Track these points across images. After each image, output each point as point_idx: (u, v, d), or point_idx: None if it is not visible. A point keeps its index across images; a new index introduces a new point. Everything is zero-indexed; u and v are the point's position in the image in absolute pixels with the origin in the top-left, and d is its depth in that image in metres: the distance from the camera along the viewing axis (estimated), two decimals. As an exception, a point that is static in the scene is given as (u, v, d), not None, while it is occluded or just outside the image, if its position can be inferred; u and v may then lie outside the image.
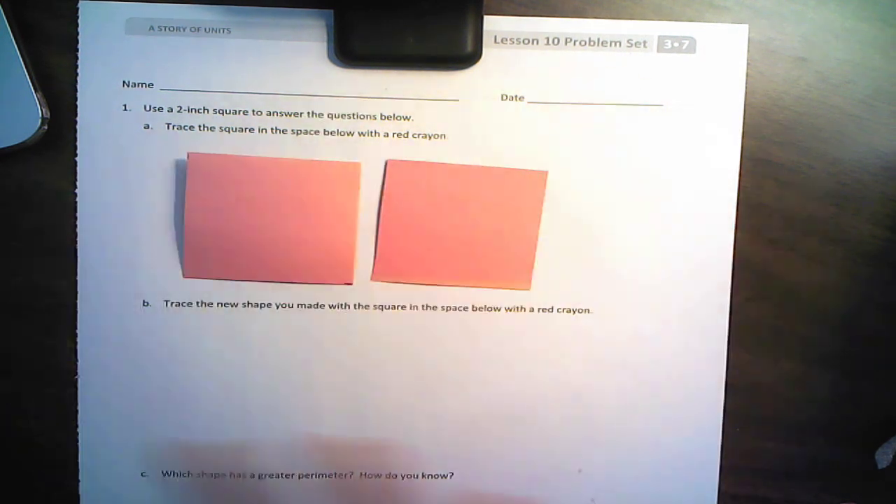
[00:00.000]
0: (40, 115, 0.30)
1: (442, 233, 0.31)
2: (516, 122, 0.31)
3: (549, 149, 0.31)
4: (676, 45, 0.31)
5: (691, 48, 0.31)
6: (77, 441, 0.32)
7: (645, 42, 0.31)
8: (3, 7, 0.30)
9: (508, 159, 0.31)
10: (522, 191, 0.31)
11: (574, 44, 0.31)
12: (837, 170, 0.34)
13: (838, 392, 0.35)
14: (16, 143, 0.31)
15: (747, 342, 0.35)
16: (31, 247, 0.32)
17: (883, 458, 0.35)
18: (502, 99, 0.31)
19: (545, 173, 0.31)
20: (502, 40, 0.31)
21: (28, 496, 0.33)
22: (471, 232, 0.32)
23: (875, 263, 0.34)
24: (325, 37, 0.31)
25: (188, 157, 0.31)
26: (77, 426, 0.32)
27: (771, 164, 0.34)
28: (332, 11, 0.31)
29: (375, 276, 0.32)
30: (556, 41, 0.31)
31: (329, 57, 0.31)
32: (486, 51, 0.31)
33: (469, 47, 0.32)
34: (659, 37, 0.31)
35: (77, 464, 0.33)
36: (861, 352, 0.35)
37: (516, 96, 0.31)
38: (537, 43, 0.31)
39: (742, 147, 0.33)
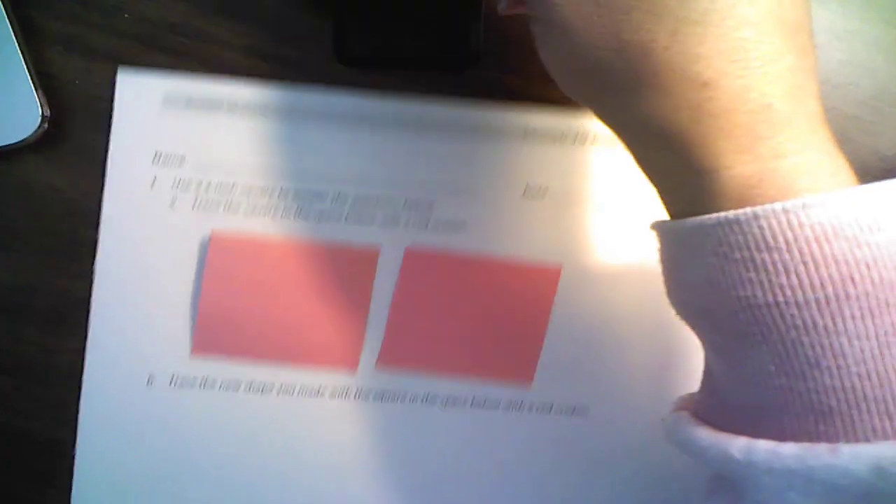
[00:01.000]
0: (41, 113, 0.31)
1: (452, 323, 0.31)
2: (537, 215, 0.31)
3: (567, 244, 0.31)
4: None
5: None
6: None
7: None
8: (4, 6, 0.30)
9: (525, 252, 0.31)
10: (535, 285, 0.31)
11: (600, 142, 0.30)
12: (838, 172, 0.34)
13: (838, 395, 0.35)
14: (16, 141, 0.31)
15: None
16: (31, 246, 0.32)
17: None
18: (525, 193, 0.31)
19: (559, 269, 0.31)
20: (531, 133, 0.30)
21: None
22: (481, 323, 0.31)
23: (876, 266, 0.34)
24: (361, 117, 0.31)
25: (211, 235, 0.31)
26: (70, 493, 0.32)
27: (771, 166, 0.33)
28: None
29: (380, 362, 0.31)
30: (583, 139, 0.30)
31: (356, 142, 0.31)
32: (514, 145, 0.30)
33: (469, 47, 0.32)
34: None
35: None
36: (861, 355, 0.35)
37: (540, 190, 0.31)
38: (565, 140, 0.30)
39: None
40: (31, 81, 0.30)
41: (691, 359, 0.32)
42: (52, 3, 0.31)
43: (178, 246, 0.31)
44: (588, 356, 0.32)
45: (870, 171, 0.34)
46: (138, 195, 0.31)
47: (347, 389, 0.31)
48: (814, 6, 0.33)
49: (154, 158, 0.30)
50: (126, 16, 0.32)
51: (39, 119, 0.31)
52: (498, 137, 0.31)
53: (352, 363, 0.32)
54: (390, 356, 0.31)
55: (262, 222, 0.31)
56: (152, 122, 0.30)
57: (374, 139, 0.31)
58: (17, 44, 0.30)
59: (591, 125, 0.31)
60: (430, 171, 0.31)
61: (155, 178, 0.30)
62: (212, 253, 0.31)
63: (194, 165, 0.31)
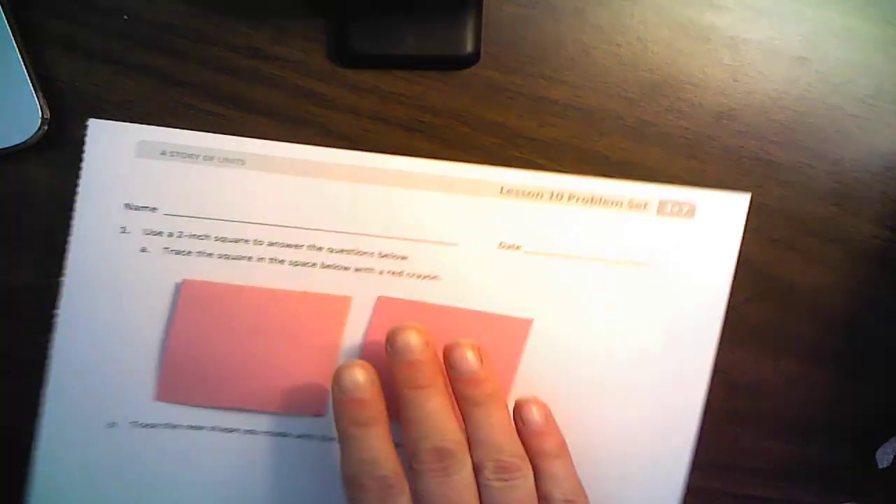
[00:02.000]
0: (41, 115, 0.31)
1: None
2: (510, 269, 0.31)
3: (538, 298, 0.31)
4: (676, 209, 0.31)
5: (690, 213, 0.31)
6: None
7: (646, 204, 0.31)
8: (3, 7, 0.30)
9: (497, 305, 0.31)
10: (505, 337, 0.31)
11: (577, 200, 0.31)
12: (837, 170, 0.34)
13: (838, 392, 0.35)
14: (16, 143, 0.31)
15: (747, 342, 0.35)
16: (31, 247, 0.32)
17: (883, 458, 0.35)
18: (500, 247, 0.31)
19: (530, 322, 0.31)
20: (508, 191, 0.31)
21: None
22: None
23: (875, 263, 0.34)
24: (337, 169, 0.31)
25: (182, 283, 0.30)
26: None
27: (771, 164, 0.34)
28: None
29: None
30: (559, 196, 0.31)
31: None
32: (491, 200, 0.31)
33: (469, 47, 0.32)
34: (660, 201, 0.31)
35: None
36: (861, 352, 0.35)
37: (514, 245, 0.31)
38: (541, 197, 0.31)
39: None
40: (30, 83, 0.30)
41: (653, 416, 0.32)
42: (52, 5, 0.31)
43: (146, 292, 0.31)
44: (554, 410, 0.32)
45: (869, 168, 0.34)
46: (107, 241, 0.30)
47: (313, 433, 0.32)
48: (812, 5, 0.33)
49: (125, 206, 0.30)
50: (125, 17, 0.32)
51: (39, 121, 0.31)
52: (475, 192, 0.31)
53: (319, 410, 0.32)
54: None
55: (234, 270, 0.31)
56: (124, 171, 0.30)
57: (350, 191, 0.30)
58: (16, 46, 0.30)
59: (569, 184, 0.31)
60: (406, 224, 0.31)
61: (125, 225, 0.30)
62: (183, 300, 0.30)
63: (166, 214, 0.30)
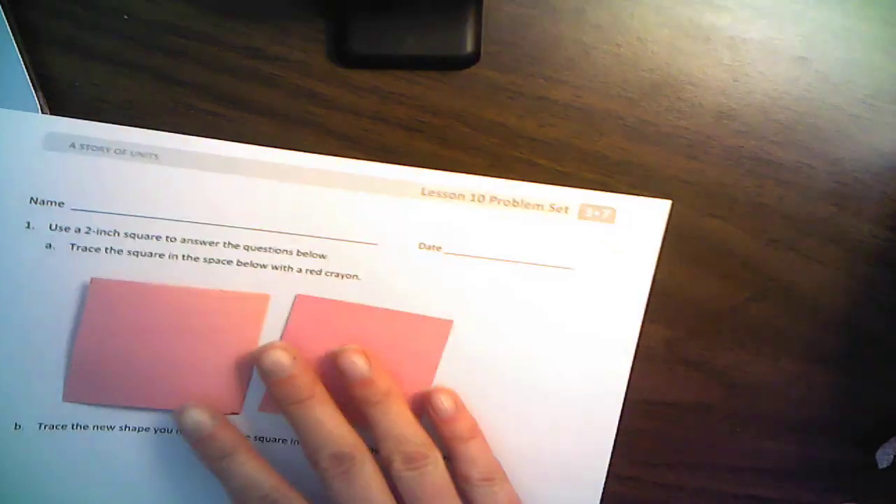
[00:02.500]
0: (40, 115, 0.31)
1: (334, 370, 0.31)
2: (430, 270, 0.31)
3: (458, 299, 0.31)
4: (597, 213, 0.31)
5: (611, 217, 0.31)
6: None
7: (567, 208, 0.31)
8: (3, 7, 0.30)
9: (417, 305, 0.31)
10: (425, 338, 0.31)
11: (498, 202, 0.31)
12: (837, 170, 0.34)
13: (838, 392, 0.35)
14: (16, 143, 0.31)
15: (747, 342, 0.35)
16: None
17: (883, 458, 0.35)
18: (420, 247, 0.31)
19: (450, 323, 0.31)
20: (430, 192, 0.30)
21: None
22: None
23: (875, 263, 0.34)
24: (255, 165, 0.30)
25: (91, 282, 0.29)
26: None
27: (771, 164, 0.34)
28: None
29: (263, 405, 0.31)
30: (481, 198, 0.30)
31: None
32: (411, 201, 0.30)
33: (469, 47, 0.32)
34: (581, 204, 0.31)
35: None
36: (861, 352, 0.35)
37: (434, 246, 0.31)
38: (463, 198, 0.30)
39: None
40: (30, 83, 0.30)
41: (573, 423, 0.32)
42: (51, 4, 0.31)
43: (52, 290, 0.30)
44: (473, 411, 0.32)
45: (870, 168, 0.34)
46: (10, 237, 0.29)
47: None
48: (812, 5, 0.33)
49: (30, 200, 0.29)
50: (125, 17, 0.32)
51: (39, 121, 0.31)
52: (396, 192, 0.30)
53: (234, 408, 0.31)
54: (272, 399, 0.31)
55: (146, 267, 0.30)
56: (30, 164, 0.29)
57: (268, 188, 0.30)
58: (15, 45, 0.30)
59: (490, 186, 0.31)
60: (325, 222, 0.30)
61: (30, 220, 0.29)
62: (91, 299, 0.30)
63: (74, 209, 0.29)
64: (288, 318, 0.31)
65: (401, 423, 0.30)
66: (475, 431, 0.31)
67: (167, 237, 0.30)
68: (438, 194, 0.30)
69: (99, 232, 0.29)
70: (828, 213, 0.34)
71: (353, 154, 0.33)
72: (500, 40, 0.33)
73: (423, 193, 0.30)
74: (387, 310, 0.31)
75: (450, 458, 0.31)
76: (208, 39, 0.32)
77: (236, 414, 0.31)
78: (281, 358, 0.29)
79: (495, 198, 0.31)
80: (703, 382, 0.35)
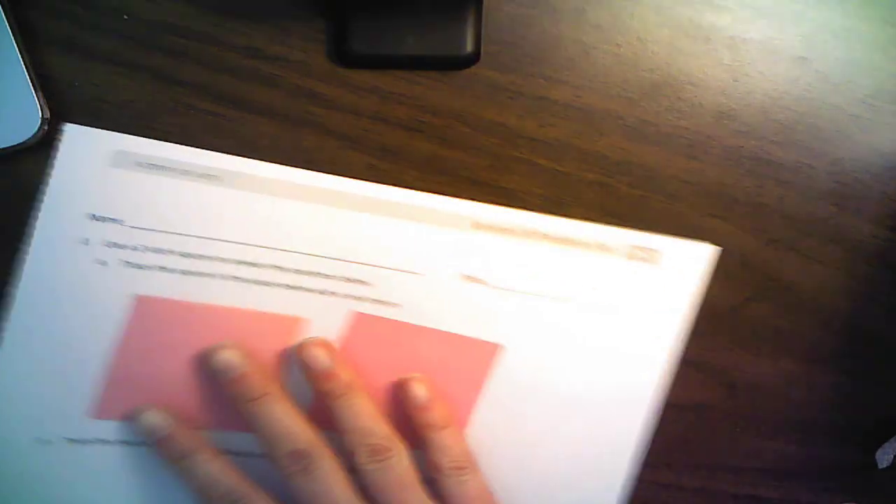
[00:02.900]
0: (40, 115, 0.31)
1: (389, 389, 0.31)
2: (473, 303, 0.31)
3: (500, 331, 0.31)
4: (644, 255, 0.31)
5: (656, 259, 0.31)
6: None
7: (616, 248, 0.31)
8: (3, 7, 0.30)
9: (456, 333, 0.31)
10: (473, 359, 0.32)
11: (548, 239, 0.31)
12: (837, 170, 0.34)
13: (838, 392, 0.35)
14: (16, 143, 0.31)
15: (747, 342, 0.35)
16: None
17: (883, 458, 0.35)
18: (464, 279, 0.31)
19: (498, 346, 0.31)
20: (480, 226, 0.30)
21: None
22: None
23: (875, 263, 0.34)
24: (309, 191, 0.30)
25: (136, 299, 0.29)
26: None
27: (771, 164, 0.34)
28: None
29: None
30: (530, 234, 0.30)
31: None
32: (461, 233, 0.30)
33: (469, 47, 0.32)
34: (630, 245, 0.31)
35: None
36: (861, 352, 0.35)
37: (479, 278, 0.31)
38: (513, 233, 0.30)
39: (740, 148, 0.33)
40: (30, 83, 0.30)
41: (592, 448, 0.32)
42: (51, 4, 0.31)
43: (98, 306, 0.29)
44: (512, 438, 0.32)
45: (869, 168, 0.34)
46: (66, 252, 0.29)
47: (256, 449, 0.30)
48: (812, 5, 0.33)
49: (90, 217, 0.29)
50: (125, 17, 0.32)
51: (39, 121, 0.31)
52: (445, 223, 0.30)
53: None
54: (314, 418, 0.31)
55: (193, 286, 0.30)
56: (95, 180, 0.29)
57: (320, 214, 0.30)
58: (16, 46, 0.30)
59: (542, 223, 0.30)
60: (371, 249, 0.30)
61: (88, 236, 0.29)
62: (135, 316, 0.30)
63: (132, 226, 0.29)
64: (341, 335, 0.31)
65: (364, 417, 0.30)
66: (448, 420, 0.31)
67: (218, 258, 0.30)
68: (489, 228, 0.30)
69: (153, 250, 0.29)
70: (828, 213, 0.34)
71: (353, 153, 0.33)
72: (500, 40, 0.33)
73: (473, 226, 0.30)
74: (438, 330, 0.31)
75: (422, 447, 0.30)
76: (208, 39, 0.32)
77: None
78: (231, 357, 0.29)
79: (546, 235, 0.31)
80: (703, 382, 0.35)
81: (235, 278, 0.30)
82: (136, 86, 0.32)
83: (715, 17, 0.33)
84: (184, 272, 0.30)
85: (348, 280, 0.30)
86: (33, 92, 0.30)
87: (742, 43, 0.33)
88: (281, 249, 0.30)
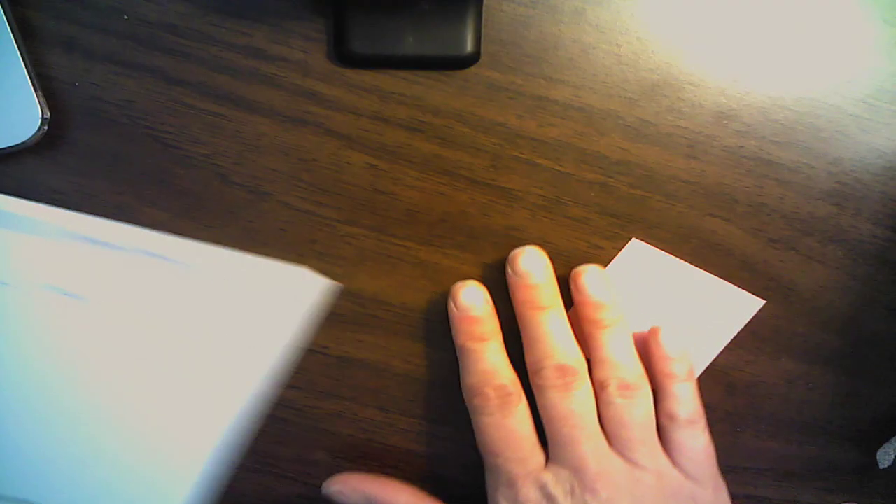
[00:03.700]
0: (40, 115, 0.31)
1: None
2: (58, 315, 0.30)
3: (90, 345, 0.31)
4: (251, 281, 0.32)
5: (261, 285, 0.32)
6: None
7: (208, 269, 0.31)
8: (3, 7, 0.30)
9: None
10: (731, 310, 0.34)
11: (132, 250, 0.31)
12: (837, 169, 0.34)
13: (838, 392, 0.35)
14: (16, 143, 0.31)
15: (747, 342, 0.35)
16: (31, 247, 0.32)
17: (883, 458, 0.35)
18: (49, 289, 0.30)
19: (761, 302, 0.34)
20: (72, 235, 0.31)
21: None
22: None
23: (875, 263, 0.34)
24: None
25: None
26: None
27: (771, 164, 0.34)
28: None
29: None
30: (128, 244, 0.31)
31: None
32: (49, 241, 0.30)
33: (469, 47, 0.32)
34: (236, 269, 0.32)
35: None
36: (861, 352, 0.35)
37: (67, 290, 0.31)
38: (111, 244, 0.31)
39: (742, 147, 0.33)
40: (30, 83, 0.30)
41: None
42: (51, 4, 0.31)
43: None
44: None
45: (869, 168, 0.34)
46: None
47: None
48: (813, 5, 0.33)
49: None
50: (125, 17, 0.32)
51: (39, 121, 0.31)
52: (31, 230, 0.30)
53: None
54: None
55: None
56: None
57: None
58: (16, 46, 0.30)
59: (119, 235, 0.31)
60: None
61: None
62: None
63: None
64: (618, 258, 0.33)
65: (623, 351, 0.31)
66: (691, 375, 0.32)
67: None
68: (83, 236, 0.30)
69: None
70: (828, 213, 0.34)
71: (353, 153, 0.33)
72: (500, 40, 0.33)
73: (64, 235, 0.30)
74: (707, 273, 0.33)
75: (659, 395, 0.32)
76: (208, 39, 0.32)
77: None
78: (535, 262, 0.31)
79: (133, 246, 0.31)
80: (703, 382, 0.35)
81: None
82: (136, 86, 0.32)
83: (715, 18, 0.33)
84: None
85: None
86: (33, 92, 0.30)
87: (742, 43, 0.33)
88: None
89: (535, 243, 0.33)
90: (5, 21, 0.30)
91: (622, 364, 0.31)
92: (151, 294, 0.31)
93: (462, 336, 0.32)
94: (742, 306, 0.34)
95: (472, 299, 0.31)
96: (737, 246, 0.34)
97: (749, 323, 0.34)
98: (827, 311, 0.35)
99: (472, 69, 0.33)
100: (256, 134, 0.32)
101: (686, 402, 0.31)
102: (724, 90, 0.33)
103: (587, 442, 0.30)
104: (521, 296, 0.31)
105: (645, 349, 0.33)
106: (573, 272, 0.32)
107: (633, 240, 0.33)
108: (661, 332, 0.32)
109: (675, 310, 0.34)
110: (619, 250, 0.34)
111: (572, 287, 0.32)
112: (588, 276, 0.31)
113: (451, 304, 0.32)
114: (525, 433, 0.31)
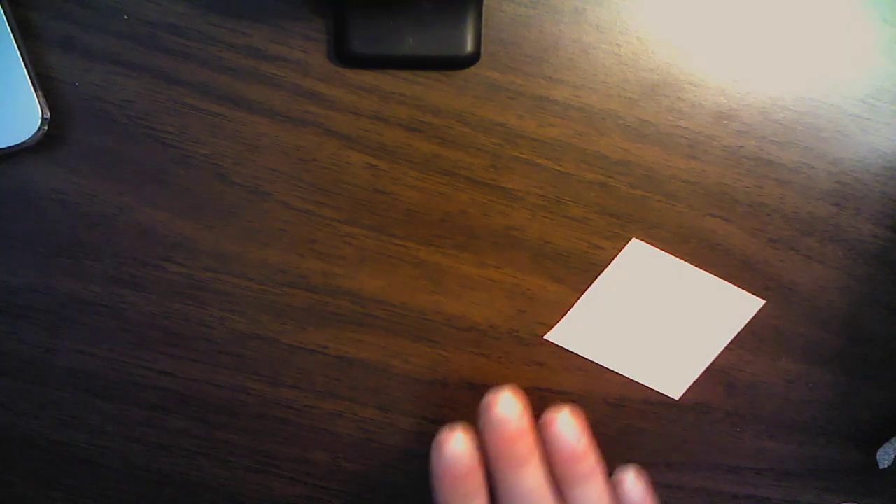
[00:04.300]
0: (41, 115, 0.31)
1: None
2: None
3: None
4: None
5: None
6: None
7: None
8: (3, 7, 0.30)
9: None
10: (730, 310, 0.34)
11: None
12: (837, 169, 0.34)
13: (838, 392, 0.35)
14: (16, 143, 0.31)
15: (747, 342, 0.35)
16: (30, 247, 0.32)
17: (883, 458, 0.35)
18: None
19: (761, 302, 0.34)
20: None
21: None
22: None
23: (875, 263, 0.34)
24: None
25: None
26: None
27: (771, 164, 0.34)
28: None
29: None
30: None
31: None
32: None
33: (469, 47, 0.32)
34: None
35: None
36: (861, 352, 0.35)
37: None
38: None
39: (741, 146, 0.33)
40: (30, 83, 0.30)
41: None
42: (51, 4, 0.31)
43: None
44: None
45: (869, 168, 0.34)
46: None
47: None
48: (813, 5, 0.33)
49: None
50: (125, 17, 0.32)
51: (39, 121, 0.31)
52: None
53: None
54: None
55: None
56: None
57: None
58: (16, 46, 0.30)
59: None
60: None
61: None
62: None
63: None
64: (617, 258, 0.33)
65: None
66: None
67: None
68: None
69: None
70: (828, 213, 0.34)
71: (353, 153, 0.33)
72: (500, 40, 0.33)
73: None
74: (707, 273, 0.33)
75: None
76: (208, 39, 0.32)
77: None
78: (510, 409, 0.29)
79: None
80: (703, 382, 0.35)
81: None
82: (136, 86, 0.32)
83: (715, 18, 0.33)
84: None
85: None
86: (33, 92, 0.30)
87: (742, 43, 0.33)
88: None
89: (535, 243, 0.33)
90: (5, 21, 0.30)
91: None
92: None
93: (444, 493, 0.29)
94: (742, 306, 0.34)
95: (456, 453, 0.29)
96: (737, 246, 0.34)
97: (749, 323, 0.34)
98: (827, 311, 0.35)
99: (472, 69, 0.33)
100: (256, 134, 0.32)
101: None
102: (724, 90, 0.33)
103: None
104: (497, 448, 0.29)
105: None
106: (544, 418, 0.30)
107: (633, 240, 0.33)
108: (625, 479, 0.31)
109: (675, 310, 0.34)
110: (619, 250, 0.34)
111: (544, 435, 0.30)
112: (561, 425, 0.29)
113: (434, 455, 0.29)
114: None
